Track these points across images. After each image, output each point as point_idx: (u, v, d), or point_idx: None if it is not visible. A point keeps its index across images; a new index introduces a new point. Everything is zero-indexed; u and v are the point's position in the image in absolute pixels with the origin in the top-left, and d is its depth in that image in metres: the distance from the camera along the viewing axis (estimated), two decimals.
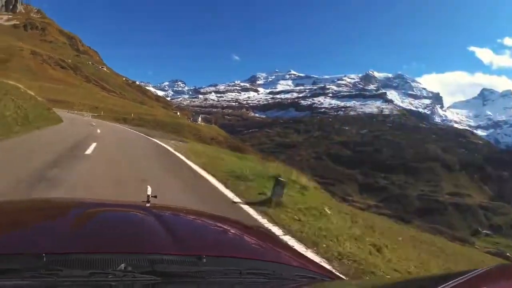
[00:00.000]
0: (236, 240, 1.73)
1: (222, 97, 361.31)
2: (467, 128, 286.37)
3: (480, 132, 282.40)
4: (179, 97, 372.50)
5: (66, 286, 1.01)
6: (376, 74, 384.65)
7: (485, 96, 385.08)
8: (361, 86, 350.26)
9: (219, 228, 1.87)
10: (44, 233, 1.38)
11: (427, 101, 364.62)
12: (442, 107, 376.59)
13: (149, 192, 2.23)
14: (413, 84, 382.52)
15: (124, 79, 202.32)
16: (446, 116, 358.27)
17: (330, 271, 1.53)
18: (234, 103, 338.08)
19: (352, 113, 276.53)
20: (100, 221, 1.67)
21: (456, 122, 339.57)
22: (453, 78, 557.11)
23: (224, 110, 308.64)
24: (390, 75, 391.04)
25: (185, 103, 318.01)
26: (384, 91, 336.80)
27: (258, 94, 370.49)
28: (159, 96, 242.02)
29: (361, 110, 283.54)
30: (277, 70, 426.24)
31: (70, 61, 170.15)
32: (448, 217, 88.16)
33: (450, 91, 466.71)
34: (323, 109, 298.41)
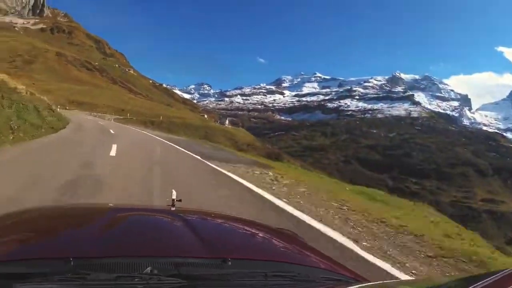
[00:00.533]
0: (262, 243, 1.74)
1: (248, 100, 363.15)
2: (496, 131, 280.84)
3: (510, 135, 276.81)
4: (205, 100, 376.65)
5: None
6: (402, 75, 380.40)
7: None
8: (388, 88, 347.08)
9: (244, 231, 1.88)
10: (71, 238, 1.42)
11: (455, 103, 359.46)
12: (470, 109, 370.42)
13: (174, 196, 2.24)
14: (440, 85, 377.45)
15: (151, 81, 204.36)
16: (474, 119, 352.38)
17: (356, 274, 1.53)
18: (260, 106, 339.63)
19: (379, 115, 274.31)
20: (126, 225, 1.70)
21: (485, 124, 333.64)
22: (481, 79, 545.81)
23: (250, 113, 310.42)
24: (417, 77, 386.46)
25: (211, 106, 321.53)
26: (411, 93, 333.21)
27: (283, 96, 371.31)
28: (185, 99, 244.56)
29: (388, 112, 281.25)
30: (302, 73, 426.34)
31: (96, 63, 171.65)
32: (483, 225, 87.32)
33: (478, 93, 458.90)
34: (350, 112, 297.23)
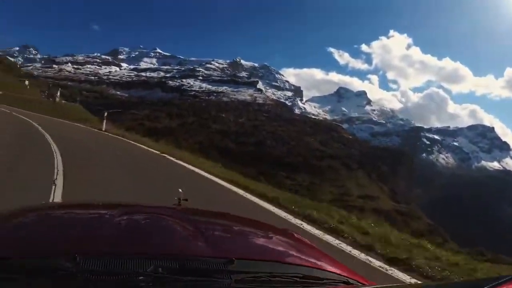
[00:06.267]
0: (267, 244, 1.73)
1: (80, 69, 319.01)
2: (334, 122, 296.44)
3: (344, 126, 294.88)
4: (29, 66, 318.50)
5: (98, 287, 1.04)
6: (243, 62, 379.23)
7: (340, 93, 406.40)
8: (230, 72, 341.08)
9: (250, 231, 1.87)
10: (77, 235, 1.41)
11: (289, 93, 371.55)
12: (301, 100, 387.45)
13: (180, 195, 2.25)
14: (277, 76, 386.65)
15: None
16: (305, 109, 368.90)
17: (362, 277, 1.52)
18: (93, 77, 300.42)
19: (224, 99, 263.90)
20: (132, 223, 1.69)
21: (314, 115, 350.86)
22: (310, 74, 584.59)
23: (81, 85, 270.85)
24: (256, 65, 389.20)
25: (36, 73, 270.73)
26: (256, 79, 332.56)
27: (120, 69, 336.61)
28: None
29: (234, 97, 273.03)
30: (141, 46, 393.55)
31: None
32: None
33: (306, 86, 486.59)
34: (194, 92, 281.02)
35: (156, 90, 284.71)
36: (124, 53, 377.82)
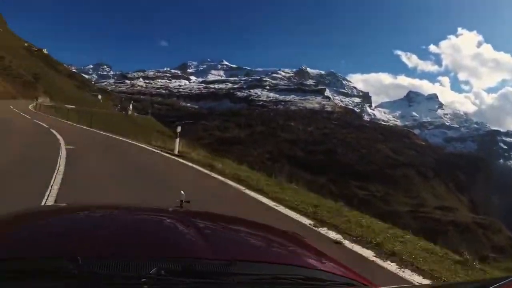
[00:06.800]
0: (270, 245, 1.73)
1: (151, 83, 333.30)
2: (406, 128, 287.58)
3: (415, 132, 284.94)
4: (103, 82, 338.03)
5: None
6: (309, 70, 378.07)
7: (411, 98, 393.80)
8: (297, 81, 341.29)
9: (252, 233, 1.86)
10: (79, 237, 1.41)
11: (357, 100, 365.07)
12: (370, 106, 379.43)
13: (182, 197, 2.27)
14: (344, 82, 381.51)
15: (26, 44, 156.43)
16: (374, 115, 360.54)
17: (365, 278, 1.51)
18: (164, 91, 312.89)
19: (292, 107, 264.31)
20: (134, 225, 1.70)
21: (383, 121, 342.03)
22: (378, 79, 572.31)
23: (153, 98, 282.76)
24: (322, 72, 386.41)
25: (110, 88, 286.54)
26: (323, 87, 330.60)
27: (190, 82, 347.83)
28: (74, 72, 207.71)
29: (302, 105, 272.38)
30: (208, 59, 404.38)
31: None
32: (452, 239, 76.86)
33: (375, 91, 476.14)
34: (261, 102, 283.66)
35: (224, 101, 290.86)
36: (192, 66, 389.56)
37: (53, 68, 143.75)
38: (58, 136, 18.37)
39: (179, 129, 18.04)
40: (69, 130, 26.12)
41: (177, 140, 17.60)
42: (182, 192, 2.35)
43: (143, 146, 20.11)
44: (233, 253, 1.34)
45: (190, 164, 14.77)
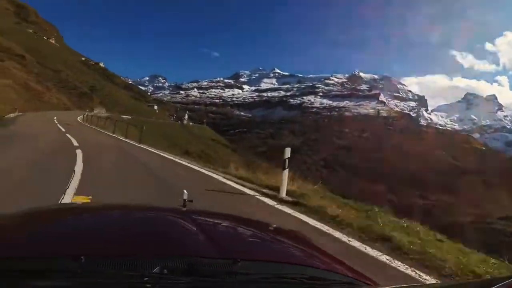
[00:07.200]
0: (273, 245, 1.74)
1: (205, 93, 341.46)
2: (464, 132, 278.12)
3: (475, 136, 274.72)
4: (159, 93, 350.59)
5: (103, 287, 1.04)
6: (362, 74, 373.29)
7: (468, 100, 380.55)
8: (349, 86, 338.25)
9: (255, 232, 1.87)
10: (83, 236, 1.43)
11: (413, 104, 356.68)
12: (426, 109, 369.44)
13: (185, 197, 2.27)
14: (398, 86, 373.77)
15: (83, 58, 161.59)
16: (431, 119, 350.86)
17: (368, 277, 1.51)
18: (217, 100, 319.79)
19: (346, 113, 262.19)
20: (137, 224, 1.71)
21: (441, 125, 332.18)
22: (434, 81, 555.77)
23: (207, 107, 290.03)
24: (376, 76, 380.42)
25: (165, 99, 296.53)
26: (377, 91, 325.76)
27: (243, 91, 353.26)
28: (130, 84, 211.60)
29: (356, 111, 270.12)
30: (260, 68, 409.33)
31: None
32: None
33: (431, 94, 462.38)
34: (315, 109, 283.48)
35: (277, 109, 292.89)
36: (244, 75, 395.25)
37: (110, 80, 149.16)
38: (79, 168, 9.61)
39: (287, 153, 9.07)
40: (107, 150, 17.55)
41: (285, 173, 8.90)
42: (185, 191, 2.35)
43: (221, 179, 11.22)
44: (237, 252, 1.35)
45: (331, 231, 6.12)
